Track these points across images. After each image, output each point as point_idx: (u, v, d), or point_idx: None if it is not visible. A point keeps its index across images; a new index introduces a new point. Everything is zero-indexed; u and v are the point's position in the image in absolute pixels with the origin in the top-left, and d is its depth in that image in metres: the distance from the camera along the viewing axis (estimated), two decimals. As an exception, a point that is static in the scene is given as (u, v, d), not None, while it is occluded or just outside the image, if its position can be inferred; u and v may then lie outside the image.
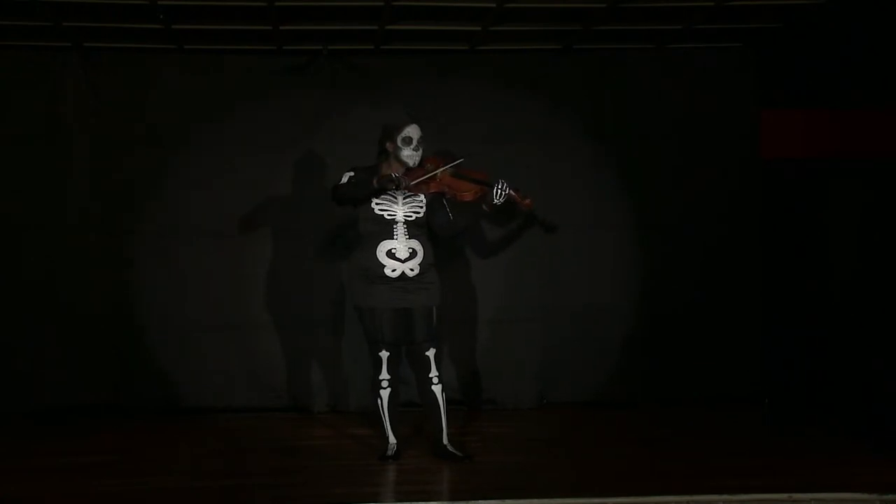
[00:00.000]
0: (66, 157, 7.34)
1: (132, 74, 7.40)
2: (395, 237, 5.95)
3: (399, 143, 5.98)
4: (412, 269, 5.96)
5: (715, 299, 7.62)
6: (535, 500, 5.09)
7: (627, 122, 7.60)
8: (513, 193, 6.07)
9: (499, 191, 6.01)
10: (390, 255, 5.94)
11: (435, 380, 6.04)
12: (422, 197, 6.05)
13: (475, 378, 7.53)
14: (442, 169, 6.02)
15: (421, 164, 6.04)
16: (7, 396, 7.23)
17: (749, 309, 7.64)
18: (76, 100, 7.35)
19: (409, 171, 6.00)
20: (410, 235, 5.98)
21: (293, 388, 7.50)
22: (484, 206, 6.09)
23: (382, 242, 5.95)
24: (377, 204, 5.96)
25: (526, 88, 7.54)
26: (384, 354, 6.03)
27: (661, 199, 7.61)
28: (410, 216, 5.99)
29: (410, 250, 5.96)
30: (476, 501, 5.11)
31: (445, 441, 6.04)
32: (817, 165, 7.72)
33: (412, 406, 6.80)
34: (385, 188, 5.89)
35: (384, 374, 6.04)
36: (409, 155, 5.98)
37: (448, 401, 6.15)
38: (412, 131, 5.99)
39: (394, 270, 5.93)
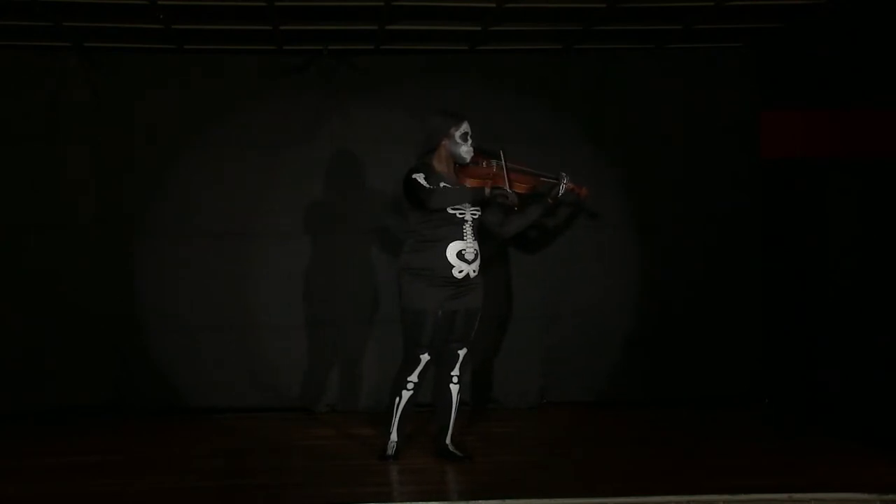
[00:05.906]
0: (65, 157, 7.34)
1: (132, 74, 7.40)
2: (464, 238, 5.84)
3: (458, 138, 5.92)
4: (475, 271, 5.89)
5: (715, 299, 7.62)
6: (535, 500, 5.08)
7: (627, 121, 7.60)
8: (573, 185, 6.19)
9: (563, 184, 6.09)
10: (460, 256, 5.83)
11: (455, 378, 6.01)
12: None
13: (476, 378, 7.52)
14: (508, 165, 5.97)
15: (474, 160, 6.01)
16: (7, 396, 7.23)
17: (749, 309, 7.63)
18: (76, 100, 7.34)
19: (463, 168, 5.96)
20: (475, 236, 5.90)
21: (293, 388, 7.49)
22: (549, 199, 6.15)
23: (453, 243, 5.82)
24: None
25: (526, 88, 7.54)
26: (424, 357, 5.90)
27: (661, 199, 7.61)
28: (475, 215, 5.92)
29: (475, 251, 5.89)
30: (476, 501, 5.10)
31: (447, 441, 6.03)
32: (817, 165, 7.72)
33: (417, 406, 6.77)
34: (496, 201, 5.88)
35: (414, 378, 5.92)
36: (467, 151, 5.93)
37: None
38: (468, 127, 5.96)
39: (461, 272, 5.84)
